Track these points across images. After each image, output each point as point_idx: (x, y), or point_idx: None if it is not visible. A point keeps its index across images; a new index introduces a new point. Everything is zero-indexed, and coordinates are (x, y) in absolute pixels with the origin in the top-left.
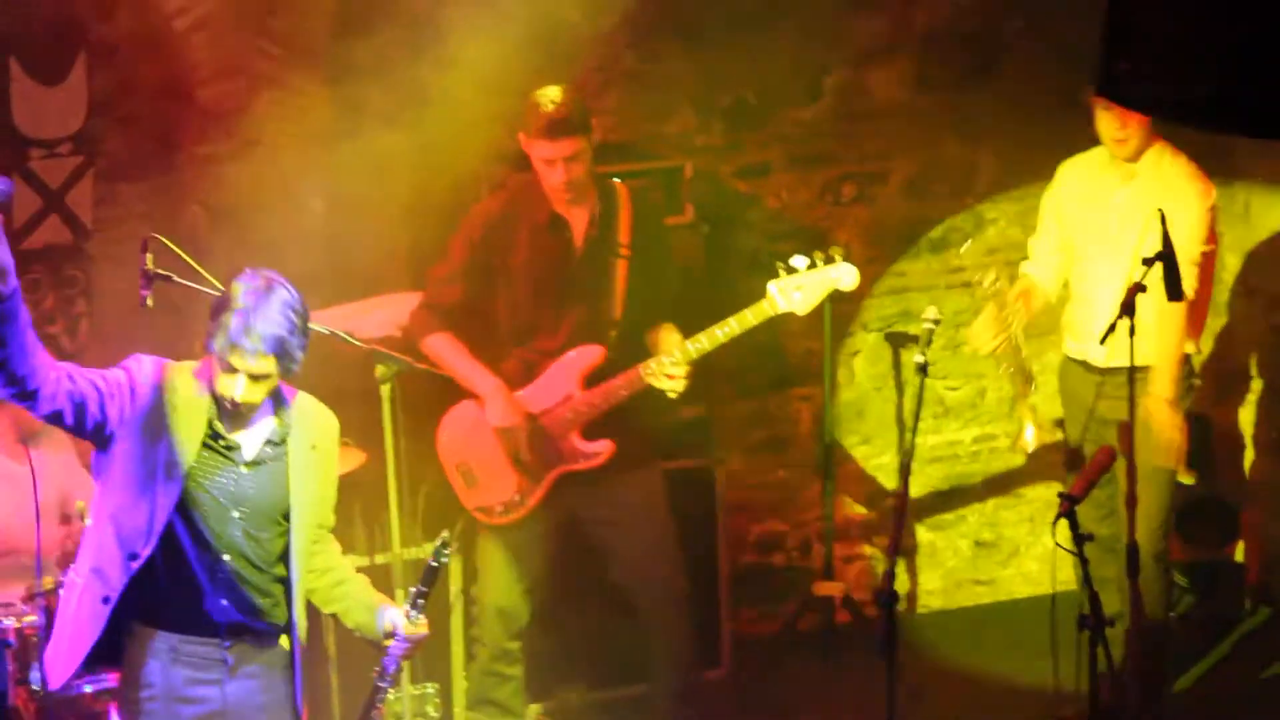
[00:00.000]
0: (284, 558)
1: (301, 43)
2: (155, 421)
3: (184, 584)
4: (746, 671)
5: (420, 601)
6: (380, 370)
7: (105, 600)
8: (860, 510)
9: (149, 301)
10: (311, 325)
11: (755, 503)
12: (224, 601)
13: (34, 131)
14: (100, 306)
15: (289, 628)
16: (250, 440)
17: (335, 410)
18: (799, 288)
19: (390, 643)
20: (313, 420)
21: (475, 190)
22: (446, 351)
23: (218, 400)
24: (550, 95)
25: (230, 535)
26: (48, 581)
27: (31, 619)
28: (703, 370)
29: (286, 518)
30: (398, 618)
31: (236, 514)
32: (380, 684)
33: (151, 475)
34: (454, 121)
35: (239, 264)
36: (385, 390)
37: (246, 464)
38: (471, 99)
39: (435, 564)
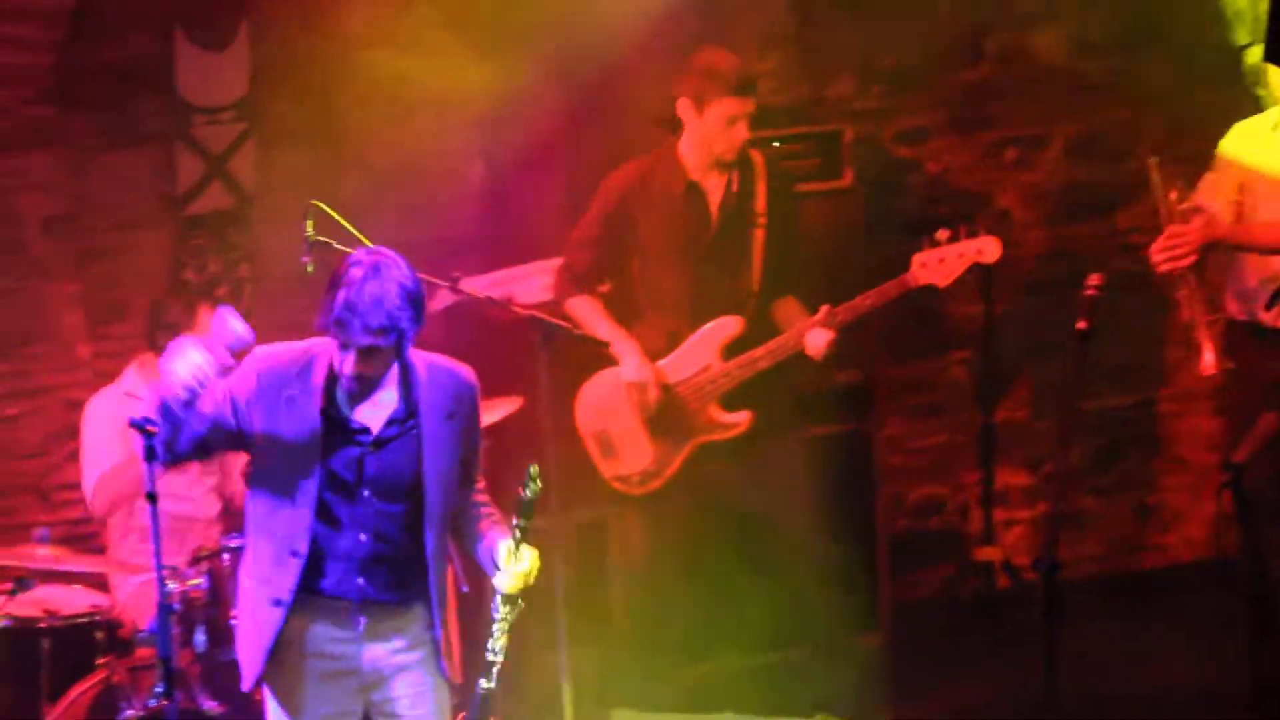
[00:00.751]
0: (419, 530)
1: (459, 8)
2: (276, 418)
3: (323, 564)
4: (904, 637)
5: (518, 534)
6: (540, 337)
7: (278, 603)
8: (1020, 475)
9: (310, 267)
10: (469, 291)
11: (913, 467)
12: (360, 580)
13: (197, 99)
14: (264, 271)
15: (428, 596)
16: (375, 417)
17: (491, 375)
18: (941, 259)
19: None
20: (447, 388)
21: (633, 153)
22: (586, 313)
23: (337, 380)
24: (727, 56)
25: (363, 514)
26: (211, 546)
27: (196, 582)
28: (860, 335)
29: (420, 490)
30: (500, 552)
31: (367, 492)
32: (493, 618)
33: (288, 469)
34: (611, 85)
35: (398, 230)
36: (543, 356)
37: (373, 444)
38: (628, 63)
39: (527, 495)
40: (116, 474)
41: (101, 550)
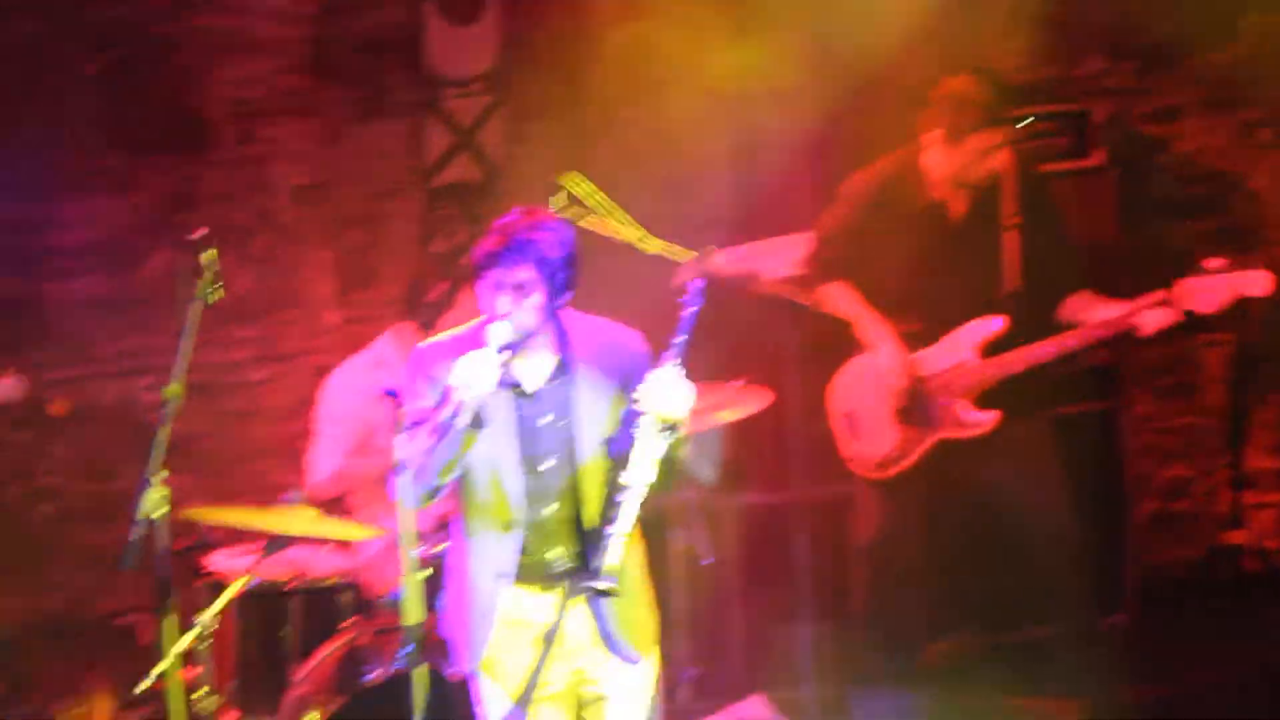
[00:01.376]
0: (590, 495)
1: None
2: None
3: (524, 538)
4: (1151, 618)
5: (676, 352)
6: (786, 313)
7: (500, 576)
8: (1270, 458)
9: None
10: (716, 266)
11: (1161, 448)
12: (552, 548)
13: (447, 71)
14: None
15: (614, 565)
16: (533, 378)
17: (737, 350)
18: (1209, 288)
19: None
20: (606, 350)
21: (883, 132)
22: (843, 300)
23: (501, 351)
24: (979, 83)
25: (541, 481)
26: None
27: (441, 548)
28: None
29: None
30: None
31: (542, 461)
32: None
33: (484, 444)
34: (861, 63)
35: (645, 205)
36: (785, 333)
37: (535, 405)
38: (879, 43)
39: (689, 309)
40: (353, 472)
41: (348, 514)
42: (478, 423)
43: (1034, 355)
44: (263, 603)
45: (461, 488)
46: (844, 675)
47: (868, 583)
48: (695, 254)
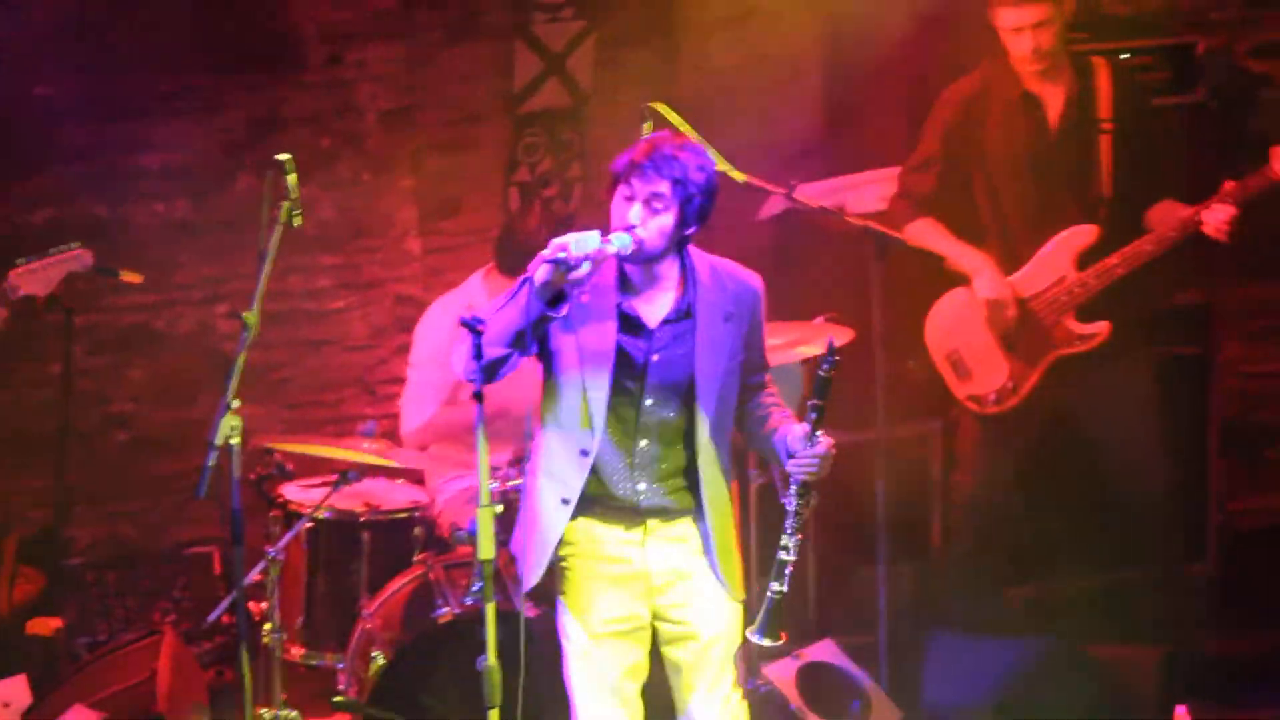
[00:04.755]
0: (694, 436)
1: None
2: (571, 319)
3: (608, 468)
4: (1233, 567)
5: (814, 416)
6: (874, 248)
7: (565, 502)
8: None
9: None
10: (803, 199)
11: (1252, 392)
12: (641, 484)
13: None
14: (595, 170)
15: (700, 505)
16: (653, 315)
17: (821, 285)
18: (1263, 184)
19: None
20: (727, 289)
21: (973, 66)
22: (930, 235)
23: (626, 279)
24: None
25: (642, 417)
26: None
27: (516, 483)
28: (1202, 252)
29: (694, 395)
30: (796, 436)
31: (647, 395)
32: (786, 503)
33: (582, 367)
34: None
35: (732, 133)
36: (877, 268)
37: (651, 341)
38: None
39: (823, 374)
40: (447, 420)
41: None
42: (558, 299)
43: (1129, 257)
44: (334, 535)
45: (547, 405)
46: (919, 621)
47: (955, 525)
48: (781, 189)
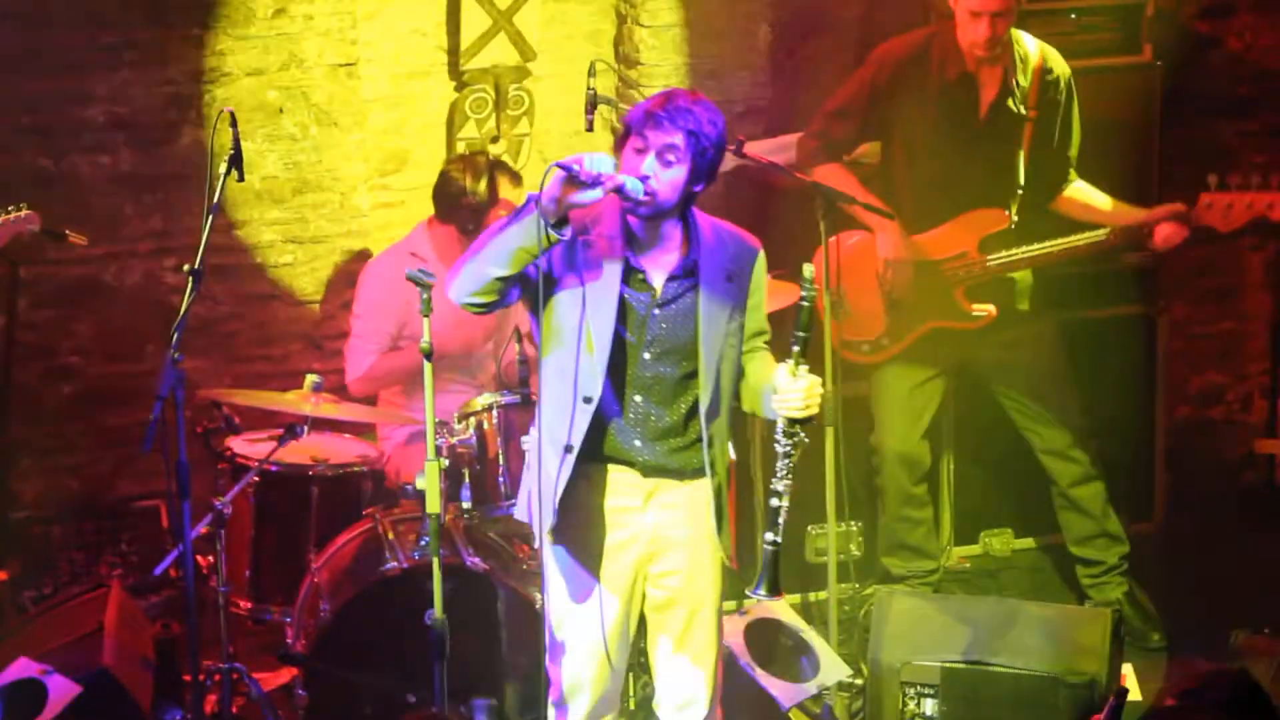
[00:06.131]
0: (694, 397)
1: None
2: (575, 264)
3: (605, 422)
4: (1178, 526)
5: (796, 348)
6: (820, 204)
7: (568, 449)
8: None
9: (592, 126)
10: (753, 154)
11: (1197, 353)
12: (638, 441)
13: None
14: (543, 128)
15: (705, 468)
16: (657, 273)
17: (770, 242)
18: (1229, 205)
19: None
20: (729, 249)
21: (916, 23)
22: (841, 182)
23: (630, 232)
24: None
25: (641, 374)
26: (476, 403)
27: (464, 438)
28: None
29: (696, 354)
30: (779, 373)
31: (647, 352)
32: (778, 447)
33: (584, 314)
34: None
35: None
36: (824, 223)
37: (654, 299)
38: None
39: (805, 303)
40: (387, 367)
41: (372, 401)
42: (561, 221)
43: (1036, 258)
44: (281, 489)
45: (548, 351)
46: (864, 576)
47: (892, 484)
48: (730, 145)
